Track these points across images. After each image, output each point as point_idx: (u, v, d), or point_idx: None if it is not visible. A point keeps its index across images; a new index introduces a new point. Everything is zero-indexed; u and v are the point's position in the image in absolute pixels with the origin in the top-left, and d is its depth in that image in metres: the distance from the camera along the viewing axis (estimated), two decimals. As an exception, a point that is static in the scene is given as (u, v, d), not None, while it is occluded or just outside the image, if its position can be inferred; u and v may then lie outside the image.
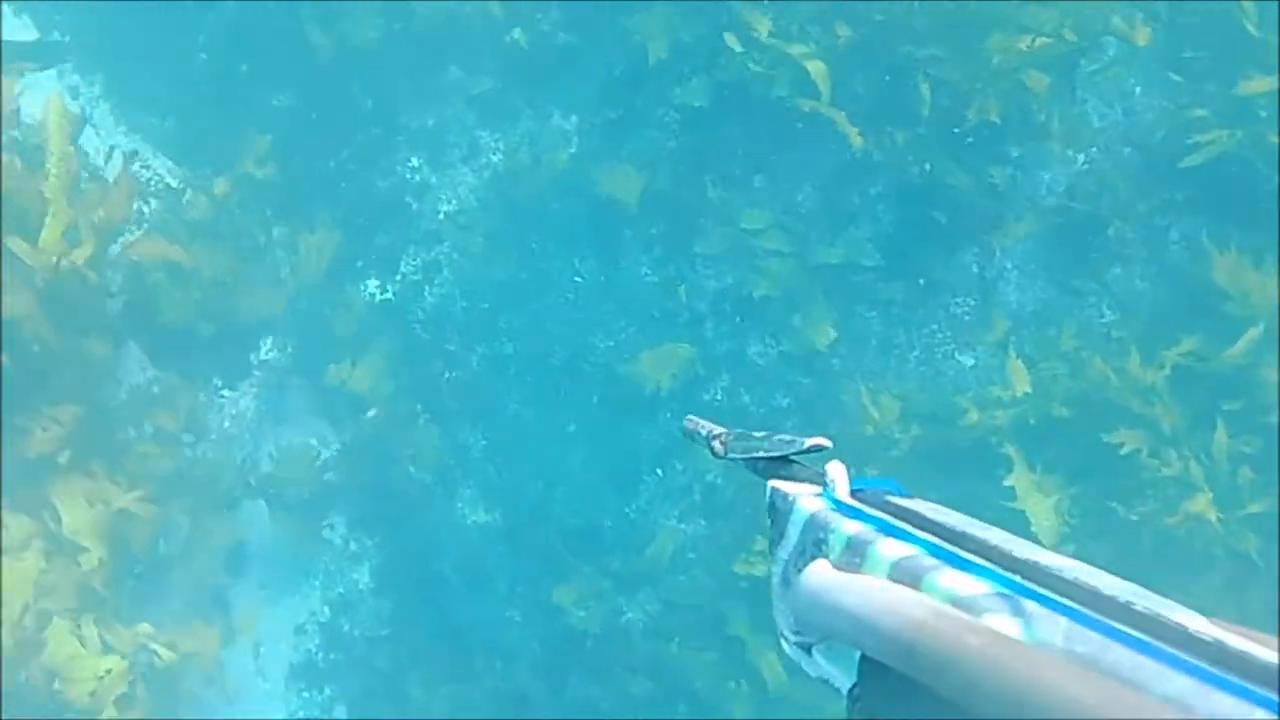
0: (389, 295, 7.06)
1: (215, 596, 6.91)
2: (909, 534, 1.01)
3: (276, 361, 7.14)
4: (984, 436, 5.91)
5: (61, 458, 6.23)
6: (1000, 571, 0.92)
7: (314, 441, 7.22)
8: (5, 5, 7.43)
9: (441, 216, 6.99)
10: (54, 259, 6.11)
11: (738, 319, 6.64)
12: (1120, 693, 0.78)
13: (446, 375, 7.04)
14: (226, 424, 7.07)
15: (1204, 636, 0.79)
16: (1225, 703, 0.76)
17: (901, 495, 1.09)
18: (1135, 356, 5.62)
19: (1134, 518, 5.40)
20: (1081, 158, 6.25)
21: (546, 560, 6.78)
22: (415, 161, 7.03)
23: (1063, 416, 5.66)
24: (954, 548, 0.97)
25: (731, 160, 6.59)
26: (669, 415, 6.71)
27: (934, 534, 1.00)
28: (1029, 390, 5.61)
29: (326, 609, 7.12)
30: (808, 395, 6.55)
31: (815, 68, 5.87)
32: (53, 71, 7.31)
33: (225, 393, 7.08)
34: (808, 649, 1.08)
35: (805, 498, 1.11)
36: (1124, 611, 0.84)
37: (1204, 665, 0.78)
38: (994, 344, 6.31)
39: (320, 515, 7.05)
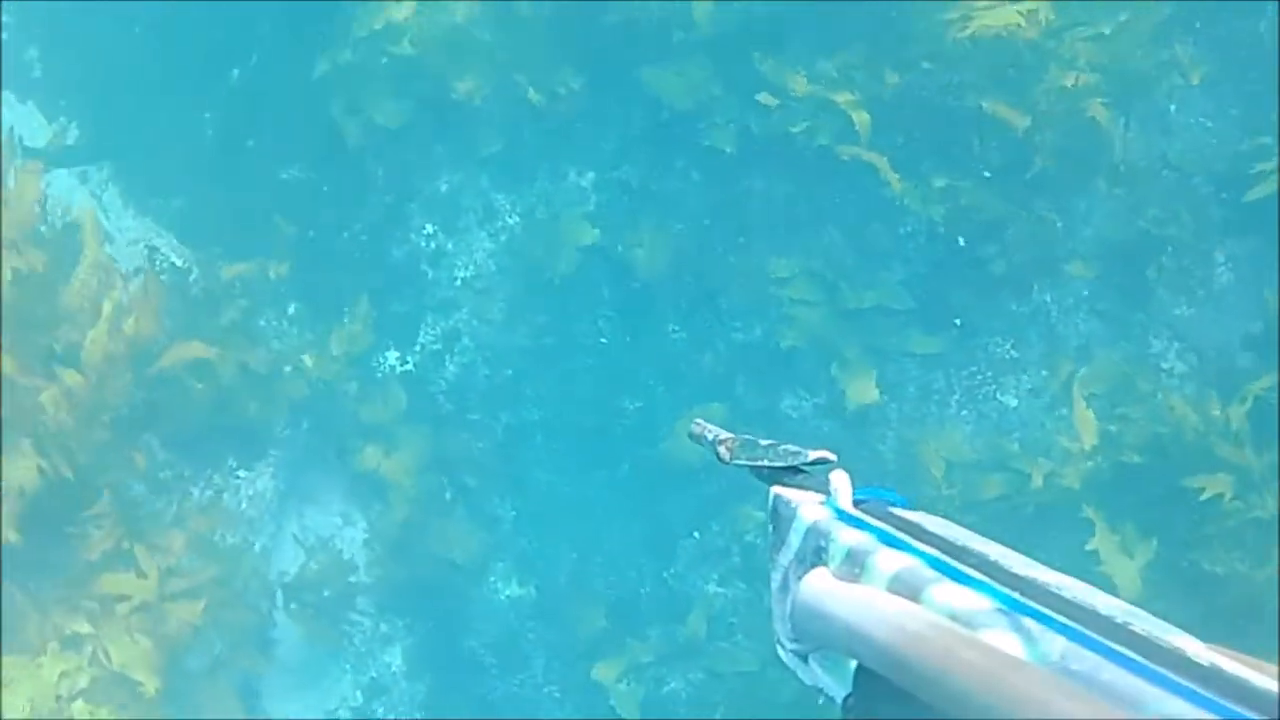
0: (409, 366, 6.91)
1: (245, 686, 6.73)
2: (910, 546, 1.01)
3: (293, 439, 6.99)
4: (1055, 501, 5.70)
5: (125, 545, 6.13)
6: (999, 587, 0.92)
7: (338, 520, 7.05)
8: (9, 93, 7.37)
9: (459, 283, 6.85)
10: (95, 378, 6.02)
11: (768, 373, 6.45)
12: (1113, 713, 0.79)
13: (472, 446, 6.87)
14: (244, 505, 6.91)
15: (1200, 660, 0.80)
16: None
17: (905, 507, 1.10)
18: (1212, 394, 5.38)
19: (1219, 570, 5.15)
20: (1134, 192, 6.05)
21: (584, 633, 6.59)
22: (429, 228, 6.90)
23: (1135, 462, 5.43)
24: (954, 561, 0.97)
25: (755, 210, 6.43)
26: (703, 476, 6.52)
27: (935, 547, 1.00)
28: (1096, 442, 5.38)
29: (358, 694, 6.93)
30: (845, 447, 6.32)
31: (860, 118, 5.72)
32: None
33: (241, 473, 6.92)
34: (805, 657, 1.09)
35: (808, 505, 1.12)
36: (1121, 632, 0.85)
37: (1199, 689, 0.78)
38: (1040, 384, 6.11)
39: (349, 597, 6.87)
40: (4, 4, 7.23)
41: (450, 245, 6.87)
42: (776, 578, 1.14)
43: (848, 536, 1.05)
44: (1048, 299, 6.15)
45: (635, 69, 6.39)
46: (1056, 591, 0.91)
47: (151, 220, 7.15)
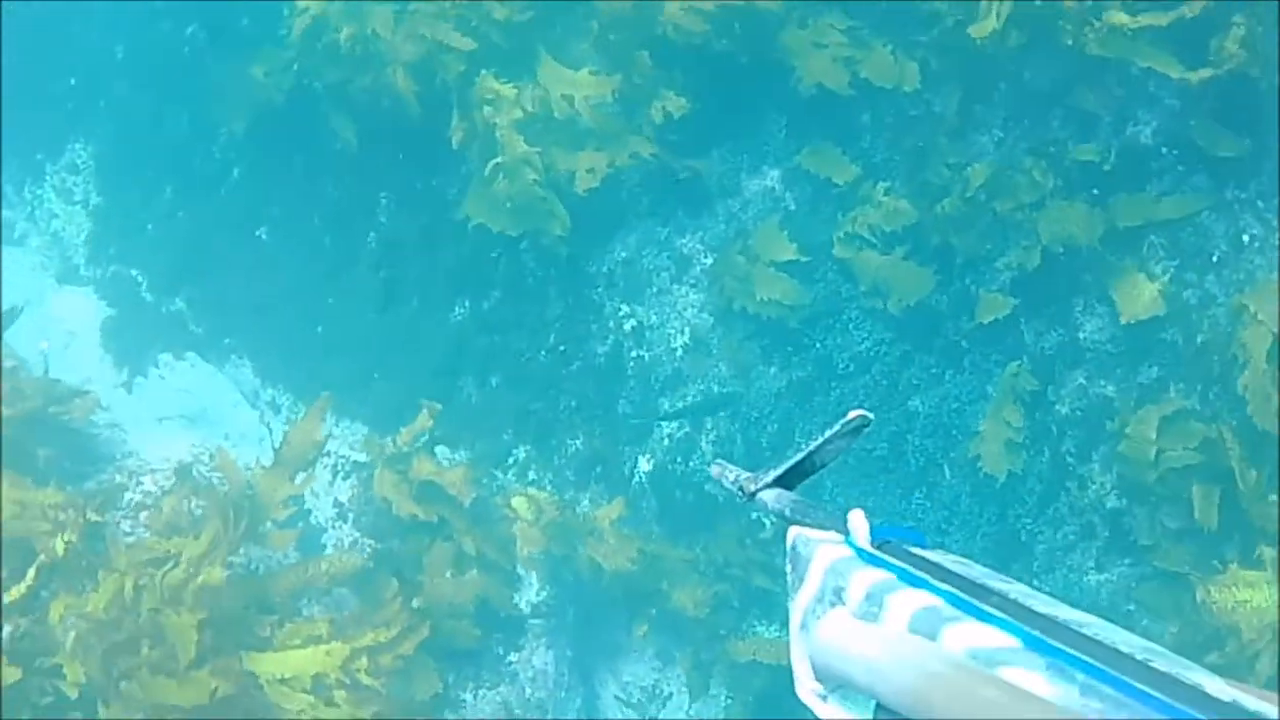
0: (658, 462, 6.51)
1: None
2: (930, 584, 1.06)
3: (560, 597, 6.66)
4: None
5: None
6: (1019, 625, 0.97)
7: (657, 663, 6.66)
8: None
9: (679, 353, 6.55)
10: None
11: (1047, 302, 5.87)
12: None
13: (768, 526, 6.40)
14: (529, 692, 6.57)
15: (1220, 697, 0.85)
16: None
17: (923, 546, 1.15)
18: None
19: None
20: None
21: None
22: (625, 308, 6.66)
23: None
24: (974, 600, 1.02)
25: (938, 130, 5.93)
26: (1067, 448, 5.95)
27: (954, 585, 1.05)
28: None
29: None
30: (1177, 345, 5.68)
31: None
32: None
33: (511, 658, 6.57)
34: (824, 697, 1.13)
35: (827, 545, 1.18)
36: (1141, 669, 0.89)
37: None
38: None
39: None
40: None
41: (653, 316, 6.59)
42: (796, 618, 1.18)
43: (867, 576, 1.10)
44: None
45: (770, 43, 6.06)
46: (1077, 629, 0.95)
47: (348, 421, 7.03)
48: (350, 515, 6.57)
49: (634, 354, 6.73)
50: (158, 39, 7.62)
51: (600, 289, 6.77)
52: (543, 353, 6.85)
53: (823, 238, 6.30)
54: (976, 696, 0.91)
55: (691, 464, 6.61)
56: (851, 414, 1.29)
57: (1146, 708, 0.84)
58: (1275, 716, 0.81)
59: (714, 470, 1.50)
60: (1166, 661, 0.89)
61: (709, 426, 6.55)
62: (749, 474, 1.41)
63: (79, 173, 7.98)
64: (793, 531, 1.24)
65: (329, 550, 6.41)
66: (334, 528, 6.57)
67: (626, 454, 6.74)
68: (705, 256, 6.57)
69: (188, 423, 7.24)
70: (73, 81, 7.99)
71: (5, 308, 6.96)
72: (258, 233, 7.37)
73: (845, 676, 1.06)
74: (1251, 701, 0.83)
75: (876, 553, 1.13)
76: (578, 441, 6.75)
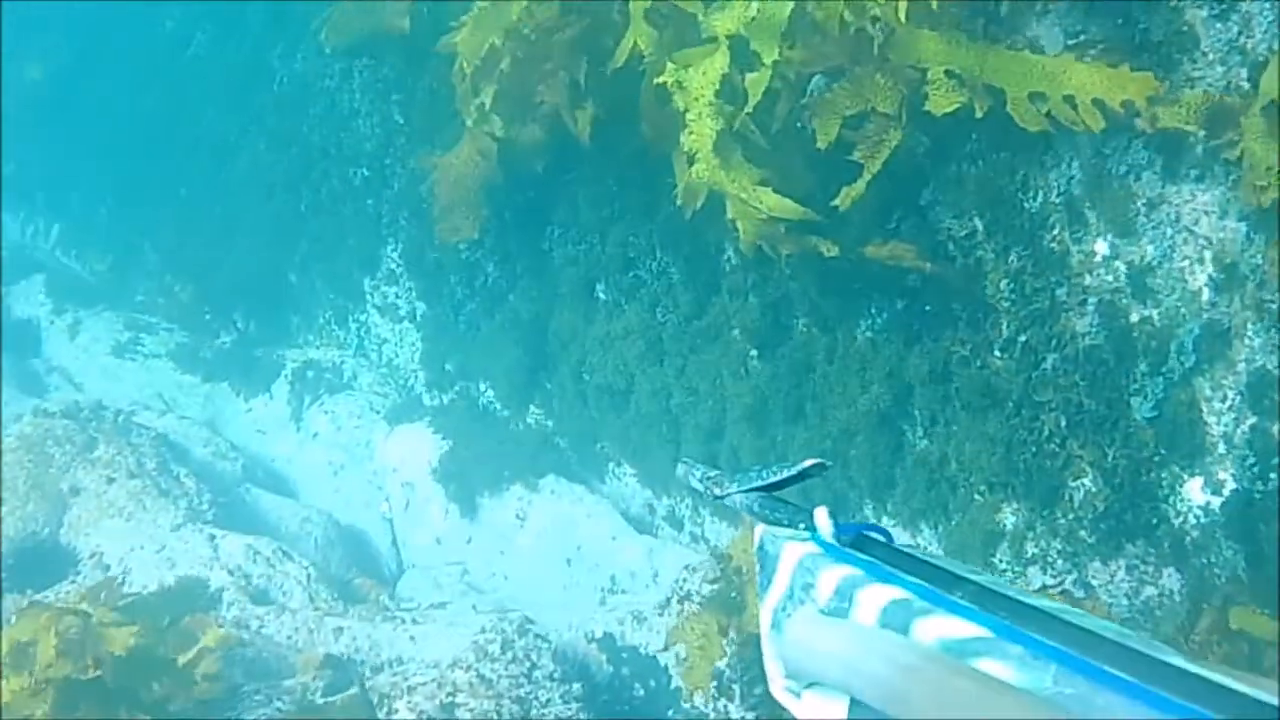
0: (1224, 488, 4.16)
1: None
2: (898, 578, 1.12)
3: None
4: None
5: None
6: (990, 615, 1.03)
7: None
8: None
9: (1207, 295, 4.24)
10: None
11: None
12: None
13: None
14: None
15: (1199, 674, 0.89)
16: None
17: (888, 540, 1.22)
18: None
19: None
20: None
21: None
22: (1104, 247, 4.48)
23: None
24: (943, 591, 1.08)
25: None
26: None
27: (923, 578, 1.12)
28: None
29: None
30: None
31: None
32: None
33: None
34: (798, 694, 1.17)
35: (794, 543, 1.24)
36: (1115, 652, 0.94)
37: (1197, 706, 0.86)
38: None
39: None
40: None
41: (1149, 248, 4.37)
42: (766, 617, 1.22)
43: (836, 572, 1.16)
44: None
45: None
46: (1047, 616, 1.00)
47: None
48: (738, 686, 4.46)
49: (1136, 317, 4.36)
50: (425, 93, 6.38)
51: (1057, 229, 4.49)
52: (997, 353, 4.65)
53: None
54: (950, 688, 0.94)
55: (1274, 478, 4.12)
56: (807, 462, 1.32)
57: (1120, 692, 0.87)
58: (1255, 695, 0.83)
59: (680, 469, 1.53)
60: (1139, 644, 0.91)
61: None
62: (715, 473, 1.46)
63: (397, 281, 6.73)
64: (760, 529, 1.27)
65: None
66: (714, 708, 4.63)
67: (1163, 482, 4.34)
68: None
69: (563, 567, 5.67)
70: (365, 172, 6.80)
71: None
72: (596, 292, 5.74)
73: (818, 673, 1.10)
74: (1226, 680, 0.85)
75: (844, 549, 1.18)
76: (1084, 480, 4.48)
